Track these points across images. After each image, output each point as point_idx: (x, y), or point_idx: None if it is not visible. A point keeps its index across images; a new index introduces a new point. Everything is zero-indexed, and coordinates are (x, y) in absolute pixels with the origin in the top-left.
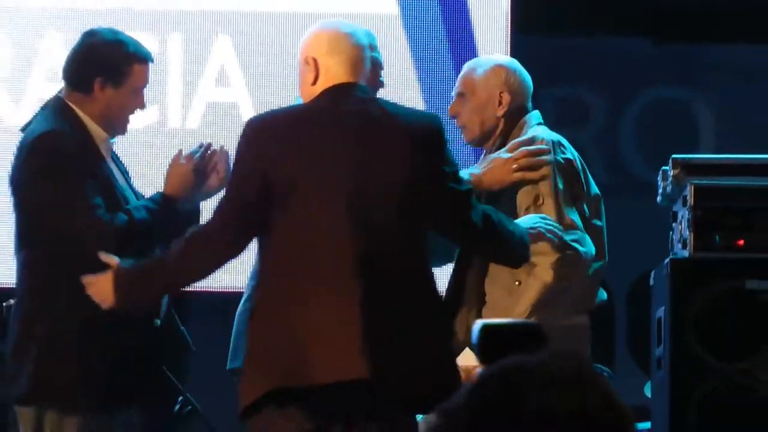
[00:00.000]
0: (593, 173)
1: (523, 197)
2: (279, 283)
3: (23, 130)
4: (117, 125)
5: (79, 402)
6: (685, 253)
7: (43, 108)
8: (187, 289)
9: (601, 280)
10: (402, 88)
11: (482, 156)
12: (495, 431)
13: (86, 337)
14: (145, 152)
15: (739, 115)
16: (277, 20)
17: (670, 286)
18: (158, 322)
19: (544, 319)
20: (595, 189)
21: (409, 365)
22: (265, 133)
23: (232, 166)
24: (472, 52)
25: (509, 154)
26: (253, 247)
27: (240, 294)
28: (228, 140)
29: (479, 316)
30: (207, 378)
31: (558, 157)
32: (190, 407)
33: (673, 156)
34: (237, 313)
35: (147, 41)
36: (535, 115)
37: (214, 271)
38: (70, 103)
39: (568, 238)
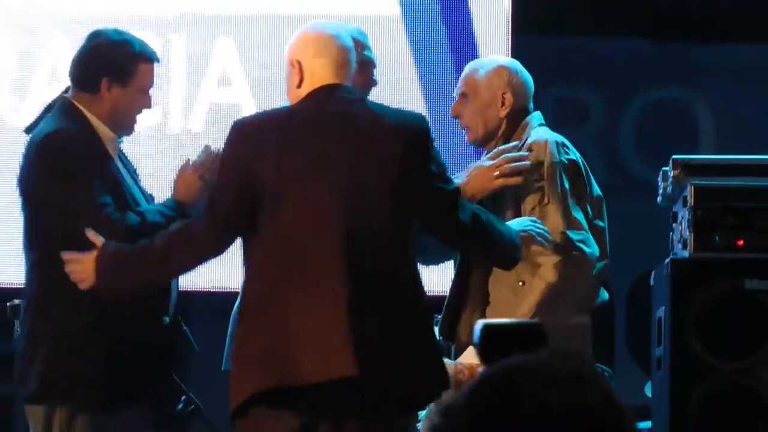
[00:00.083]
0: (593, 173)
1: (528, 197)
2: (266, 285)
3: (27, 131)
4: (124, 125)
5: (88, 400)
6: (685, 253)
7: (47, 108)
8: (188, 289)
9: (602, 281)
10: (403, 88)
11: (483, 156)
12: (496, 430)
13: (95, 336)
14: (148, 153)
15: (739, 116)
16: (278, 22)
17: (671, 286)
18: (167, 320)
19: (547, 319)
20: (596, 190)
21: (395, 364)
22: (250, 136)
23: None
24: (472, 53)
25: (491, 162)
26: None
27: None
28: None
29: (483, 316)
30: (206, 378)
31: (562, 158)
32: (192, 406)
33: (674, 156)
34: (232, 314)
35: (150, 43)
36: (536, 116)
37: (194, 269)
38: (77, 104)
39: (574, 238)
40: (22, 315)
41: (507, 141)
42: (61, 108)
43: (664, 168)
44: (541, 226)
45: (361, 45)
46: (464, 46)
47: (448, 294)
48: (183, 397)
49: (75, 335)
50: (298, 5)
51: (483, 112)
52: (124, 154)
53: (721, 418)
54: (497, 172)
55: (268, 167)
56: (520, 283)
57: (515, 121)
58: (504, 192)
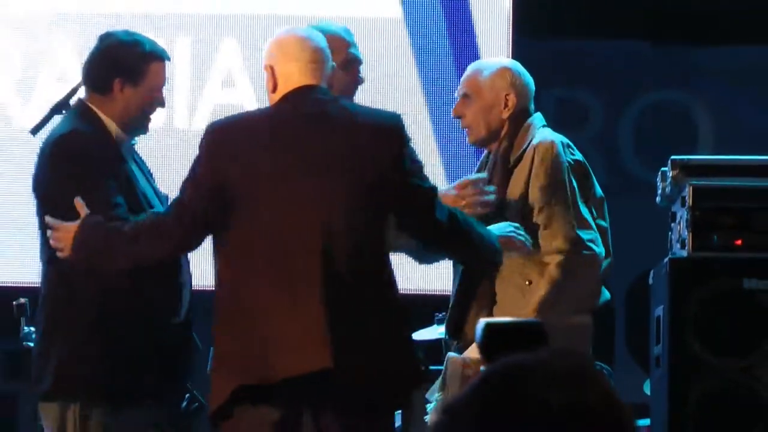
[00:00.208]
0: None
1: (537, 198)
2: (240, 285)
3: (33, 132)
4: (138, 124)
5: (102, 398)
6: (684, 253)
7: (53, 109)
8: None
9: (605, 280)
10: (404, 89)
11: (483, 156)
12: (498, 428)
13: (108, 334)
14: (151, 153)
15: (737, 117)
16: (281, 24)
17: (669, 286)
18: (179, 318)
19: (552, 318)
20: (599, 190)
21: (370, 360)
22: (224, 138)
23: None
24: (474, 55)
25: (455, 192)
26: None
27: None
28: None
29: (491, 315)
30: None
31: (568, 158)
32: (196, 404)
33: (672, 157)
34: None
35: None
36: (538, 117)
37: (165, 259)
38: (91, 105)
39: (585, 237)
40: (38, 314)
41: (510, 142)
42: (75, 109)
43: (662, 168)
44: (522, 233)
45: (346, 43)
46: (465, 48)
47: (451, 293)
48: (187, 395)
49: (88, 333)
50: (302, 7)
51: (486, 113)
52: (138, 155)
53: (719, 416)
54: (464, 203)
55: (241, 169)
56: (527, 283)
57: (517, 123)
58: (510, 193)
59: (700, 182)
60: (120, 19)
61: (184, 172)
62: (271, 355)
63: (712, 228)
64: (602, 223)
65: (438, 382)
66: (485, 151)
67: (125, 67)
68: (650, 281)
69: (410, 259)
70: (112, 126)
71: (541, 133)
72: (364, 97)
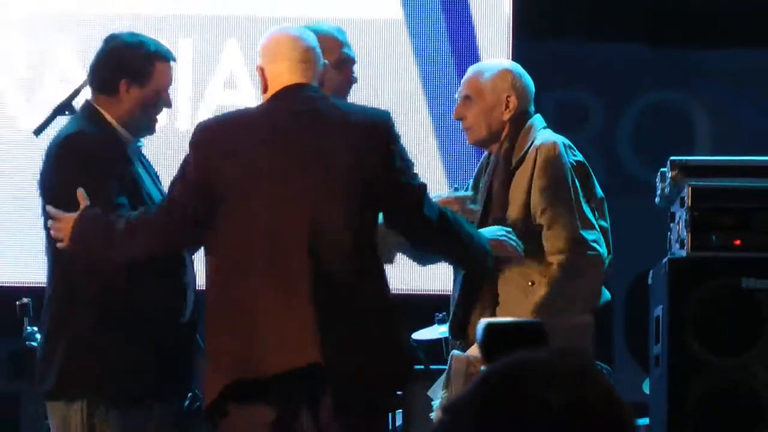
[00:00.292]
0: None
1: (540, 198)
2: (231, 283)
3: (36, 132)
4: (144, 125)
5: (106, 396)
6: (683, 253)
7: (56, 110)
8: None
9: (605, 280)
10: (404, 90)
11: (483, 158)
12: (499, 427)
13: (113, 333)
14: (154, 154)
15: (736, 118)
16: (283, 25)
17: (668, 285)
18: (184, 318)
19: (554, 318)
20: (599, 191)
21: (359, 356)
22: (212, 136)
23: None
24: (474, 57)
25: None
26: None
27: None
28: None
29: (494, 316)
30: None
31: (570, 159)
32: (198, 403)
33: (671, 158)
34: None
35: None
36: (538, 119)
37: (157, 256)
38: (97, 106)
39: (588, 237)
40: (43, 314)
41: (511, 143)
42: (82, 111)
43: (662, 169)
44: (514, 237)
45: (339, 43)
46: (466, 50)
47: (452, 294)
48: (189, 394)
49: (93, 332)
50: (303, 8)
51: (487, 114)
52: (145, 158)
53: (718, 415)
54: None
55: (231, 167)
56: (530, 283)
57: (518, 124)
58: (513, 194)
59: (699, 183)
60: (123, 21)
61: None
62: (261, 353)
63: (711, 228)
64: (603, 223)
65: (442, 380)
66: (485, 153)
67: (131, 68)
68: (649, 281)
69: (410, 260)
70: (119, 128)
71: (543, 134)
72: (364, 97)
